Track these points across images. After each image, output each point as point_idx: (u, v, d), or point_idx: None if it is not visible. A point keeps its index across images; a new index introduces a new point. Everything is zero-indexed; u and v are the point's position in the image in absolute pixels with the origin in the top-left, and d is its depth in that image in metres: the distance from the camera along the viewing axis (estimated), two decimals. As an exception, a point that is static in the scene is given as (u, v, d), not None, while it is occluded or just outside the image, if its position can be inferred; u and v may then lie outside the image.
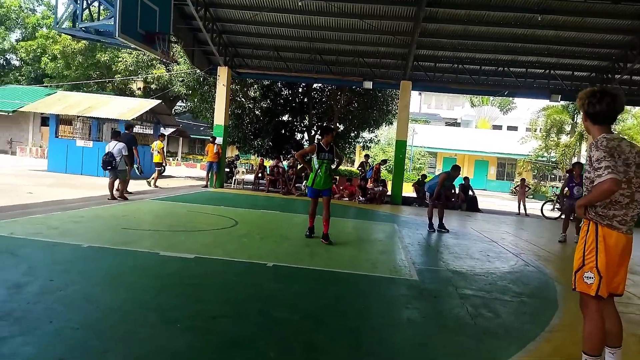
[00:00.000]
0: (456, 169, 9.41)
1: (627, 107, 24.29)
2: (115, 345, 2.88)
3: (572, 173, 9.74)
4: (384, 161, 18.88)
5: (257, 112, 20.24)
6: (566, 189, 10.07)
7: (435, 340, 3.43)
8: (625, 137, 2.73)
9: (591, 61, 14.64)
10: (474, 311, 4.13)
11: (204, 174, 16.44)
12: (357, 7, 13.01)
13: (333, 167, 7.11)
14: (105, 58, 25.20)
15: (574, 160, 26.19)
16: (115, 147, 9.93)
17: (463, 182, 16.00)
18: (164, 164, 14.98)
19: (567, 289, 5.28)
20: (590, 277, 2.66)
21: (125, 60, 24.56)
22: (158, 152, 14.62)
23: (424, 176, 17.59)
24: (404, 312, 4.03)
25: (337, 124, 20.36)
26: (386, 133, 31.19)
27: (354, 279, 5.11)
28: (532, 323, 3.95)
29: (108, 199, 9.85)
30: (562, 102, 23.16)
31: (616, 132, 2.71)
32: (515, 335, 3.63)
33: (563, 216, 10.66)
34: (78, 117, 16.28)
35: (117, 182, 10.11)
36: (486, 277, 5.56)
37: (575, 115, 26.49)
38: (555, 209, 16.16)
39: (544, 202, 17.14)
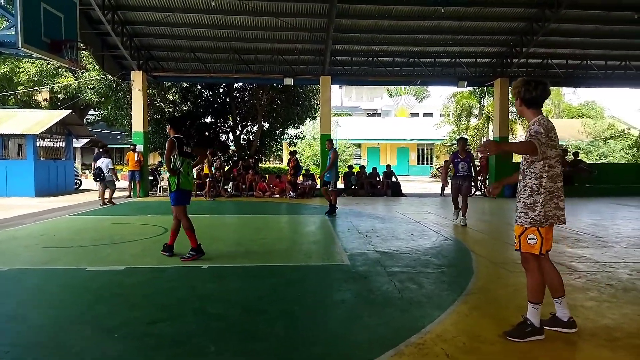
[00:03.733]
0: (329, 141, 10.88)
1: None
2: (53, 358, 2.83)
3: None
4: (293, 152, 17.21)
5: (177, 116, 19.70)
6: (451, 166, 9.43)
7: (366, 314, 3.70)
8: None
9: (492, 48, 15.90)
10: (401, 285, 4.48)
11: (125, 184, 15.77)
12: (272, 5, 13.14)
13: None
14: (5, 70, 23.05)
15: (484, 139, 28.24)
16: (103, 162, 12.23)
17: (386, 170, 16.77)
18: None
19: (481, 257, 5.85)
20: (533, 239, 3.12)
21: (28, 71, 22.68)
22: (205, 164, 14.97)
23: (351, 167, 18.16)
24: (337, 294, 4.28)
25: (262, 122, 20.38)
26: (311, 128, 31.63)
27: (290, 270, 5.28)
28: (451, 289, 4.37)
29: (100, 205, 11.99)
30: (469, 88, 24.89)
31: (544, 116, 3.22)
32: (437, 301, 4.01)
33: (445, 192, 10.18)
34: (-22, 134, 14.93)
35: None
36: (411, 254, 5.99)
37: (482, 99, 28.54)
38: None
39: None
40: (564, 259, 5.70)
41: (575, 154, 18.30)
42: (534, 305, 3.14)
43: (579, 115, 36.41)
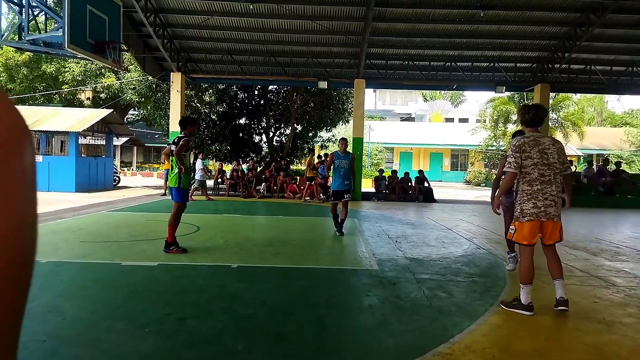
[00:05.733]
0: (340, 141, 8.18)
1: (568, 95, 25.76)
2: (85, 351, 2.93)
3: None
4: (320, 156, 16.85)
5: (213, 117, 20.09)
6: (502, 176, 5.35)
7: (393, 321, 3.66)
8: (546, 135, 4.05)
9: (532, 52, 15.47)
10: (430, 293, 4.41)
11: (161, 182, 16.21)
12: (309, 9, 13.25)
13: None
14: (52, 69, 24.18)
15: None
16: (196, 164, 14.27)
17: (418, 175, 16.57)
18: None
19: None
20: (512, 229, 3.96)
21: (73, 70, 23.70)
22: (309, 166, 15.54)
23: (382, 170, 18.03)
24: (365, 300, 4.25)
25: (295, 124, 20.51)
26: (343, 131, 31.59)
27: (318, 273, 5.29)
28: (482, 299, 4.27)
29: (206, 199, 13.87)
30: (507, 93, 24.31)
31: (539, 132, 3.94)
32: (467, 311, 3.92)
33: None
34: (25, 130, 15.65)
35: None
36: (441, 261, 5.89)
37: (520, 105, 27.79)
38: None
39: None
40: (602, 272, 5.48)
41: (617, 164, 17.57)
42: (521, 285, 3.81)
43: (622, 124, 34.98)
